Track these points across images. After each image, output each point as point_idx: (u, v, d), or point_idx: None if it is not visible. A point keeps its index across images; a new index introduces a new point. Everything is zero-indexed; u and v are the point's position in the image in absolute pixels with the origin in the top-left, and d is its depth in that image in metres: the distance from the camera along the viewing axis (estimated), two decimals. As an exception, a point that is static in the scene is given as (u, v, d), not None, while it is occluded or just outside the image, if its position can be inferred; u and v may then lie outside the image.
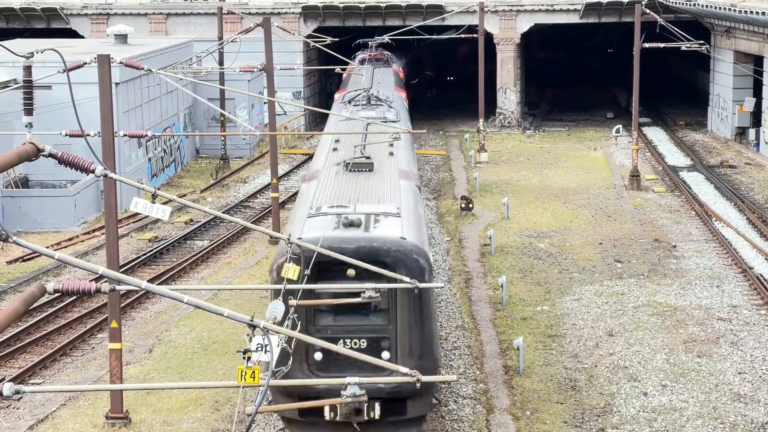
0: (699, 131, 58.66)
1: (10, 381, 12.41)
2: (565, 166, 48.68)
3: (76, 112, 14.10)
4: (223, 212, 38.88)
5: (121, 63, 24.51)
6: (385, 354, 17.10)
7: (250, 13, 56.71)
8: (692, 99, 67.53)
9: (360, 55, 50.24)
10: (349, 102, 32.46)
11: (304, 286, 14.87)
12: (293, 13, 59.51)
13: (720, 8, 51.62)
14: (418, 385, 10.66)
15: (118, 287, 10.19)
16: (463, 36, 51.45)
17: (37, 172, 39.01)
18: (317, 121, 60.93)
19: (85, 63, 24.08)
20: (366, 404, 10.02)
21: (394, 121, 29.12)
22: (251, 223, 36.02)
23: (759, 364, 24.30)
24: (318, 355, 17.26)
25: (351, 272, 16.72)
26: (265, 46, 34.60)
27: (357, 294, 15.17)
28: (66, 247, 35.09)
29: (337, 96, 39.35)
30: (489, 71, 53.65)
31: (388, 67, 46.70)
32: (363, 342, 17.21)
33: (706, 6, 53.61)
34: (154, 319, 28.23)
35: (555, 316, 27.86)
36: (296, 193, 39.68)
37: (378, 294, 14.80)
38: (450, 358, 24.82)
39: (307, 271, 15.73)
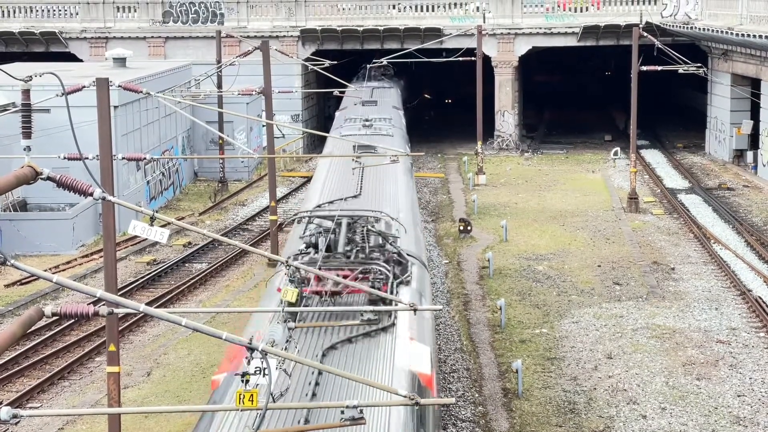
0: (697, 153, 58.74)
1: (7, 405, 12.36)
2: (563, 189, 48.71)
3: (75, 136, 14.11)
4: (222, 235, 38.84)
5: (119, 86, 24.54)
6: None
7: (248, 37, 56.84)
8: (690, 121, 67.62)
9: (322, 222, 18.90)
10: None
11: (303, 309, 14.82)
12: (291, 36, 59.70)
13: (717, 31, 51.78)
14: (416, 407, 10.63)
15: (116, 310, 10.16)
16: (461, 59, 51.56)
17: (36, 195, 39.01)
18: (315, 144, 61.00)
19: (84, 86, 24.10)
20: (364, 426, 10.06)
21: None
22: (250, 245, 36.00)
23: (758, 387, 24.25)
24: None
25: None
26: (263, 69, 34.66)
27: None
28: (64, 270, 35.05)
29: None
30: (487, 94, 53.73)
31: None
32: None
33: (704, 29, 53.78)
34: (153, 343, 28.18)
35: (554, 339, 27.81)
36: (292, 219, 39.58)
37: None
38: (449, 381, 24.76)
39: None
